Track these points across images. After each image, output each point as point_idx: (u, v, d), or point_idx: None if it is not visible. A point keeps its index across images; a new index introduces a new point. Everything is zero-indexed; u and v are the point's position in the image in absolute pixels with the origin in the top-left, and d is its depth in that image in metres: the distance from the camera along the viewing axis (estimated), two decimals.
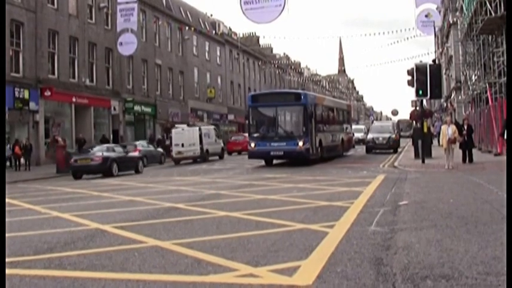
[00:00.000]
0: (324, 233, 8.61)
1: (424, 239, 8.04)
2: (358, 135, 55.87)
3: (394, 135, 41.01)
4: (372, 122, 73.38)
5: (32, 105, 37.00)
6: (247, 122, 30.96)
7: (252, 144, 28.91)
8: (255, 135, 29.06)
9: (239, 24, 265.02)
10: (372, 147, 40.34)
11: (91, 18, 44.98)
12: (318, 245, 7.75)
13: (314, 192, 15.19)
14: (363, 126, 66.72)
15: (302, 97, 29.19)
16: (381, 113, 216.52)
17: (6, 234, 9.71)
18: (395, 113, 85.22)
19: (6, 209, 14.16)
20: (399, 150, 41.06)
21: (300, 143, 27.72)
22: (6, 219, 11.88)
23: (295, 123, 29.41)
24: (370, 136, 41.39)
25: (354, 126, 58.85)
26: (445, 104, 78.11)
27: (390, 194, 14.01)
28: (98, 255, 7.62)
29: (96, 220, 11.05)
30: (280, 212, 11.29)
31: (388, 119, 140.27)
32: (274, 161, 30.92)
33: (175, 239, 8.54)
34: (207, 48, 67.79)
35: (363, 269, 6.42)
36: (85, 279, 6.38)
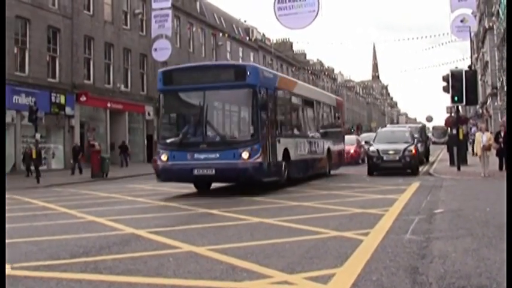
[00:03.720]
0: (359, 241, 8.55)
1: (461, 248, 7.95)
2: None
3: (412, 147, 25.54)
4: None
5: (68, 110, 37.60)
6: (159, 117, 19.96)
7: (163, 157, 17.50)
8: (169, 140, 17.80)
9: (273, 30, 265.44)
10: (377, 167, 25.52)
11: (126, 25, 45.49)
12: (352, 252, 7.70)
13: (348, 199, 15.11)
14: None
15: (248, 73, 17.15)
16: (415, 119, 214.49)
17: (43, 238, 9.91)
18: (430, 119, 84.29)
19: (42, 212, 14.44)
20: (421, 168, 28.18)
21: (245, 154, 16.59)
22: (43, 223, 12.15)
23: (238, 120, 18.68)
24: (374, 148, 26.01)
25: (364, 134, 51.14)
26: (480, 111, 77.30)
27: (425, 202, 13.89)
28: (133, 260, 7.66)
29: (131, 225, 11.12)
30: (314, 219, 11.25)
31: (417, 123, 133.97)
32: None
33: (209, 244, 8.55)
34: (240, 54, 68.08)
35: (399, 277, 6.36)
36: (121, 284, 6.42)
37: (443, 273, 6.51)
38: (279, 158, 18.42)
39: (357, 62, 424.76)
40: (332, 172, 25.78)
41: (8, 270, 7.26)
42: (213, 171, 16.84)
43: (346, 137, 41.42)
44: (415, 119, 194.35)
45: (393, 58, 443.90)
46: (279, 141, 18.44)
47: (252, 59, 71.24)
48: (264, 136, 17.18)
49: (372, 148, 26.22)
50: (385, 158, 25.19)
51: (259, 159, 16.77)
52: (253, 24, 78.43)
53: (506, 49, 23.71)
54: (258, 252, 7.94)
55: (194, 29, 56.10)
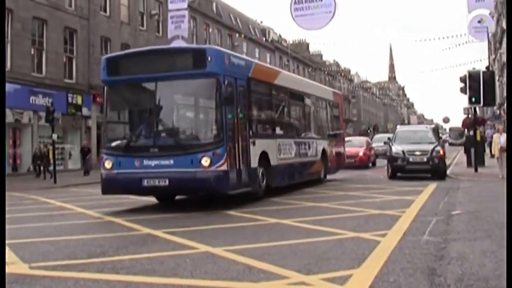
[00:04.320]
0: (376, 242, 8.52)
1: (479, 249, 7.90)
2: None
3: (439, 147, 23.95)
4: None
5: (85, 111, 37.81)
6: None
7: (107, 164, 14.34)
8: (114, 144, 14.66)
9: (289, 31, 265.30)
10: (401, 169, 23.53)
11: (142, 26, 45.60)
12: (370, 254, 7.67)
13: (365, 200, 15.07)
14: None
15: (209, 59, 13.88)
16: (432, 120, 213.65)
17: (61, 237, 9.97)
18: (446, 120, 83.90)
19: (60, 212, 14.53)
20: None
21: (205, 160, 13.42)
22: (61, 223, 12.21)
23: (198, 118, 15.48)
24: (397, 149, 23.70)
25: (378, 135, 50.22)
26: (498, 112, 76.82)
27: (443, 203, 13.83)
28: (150, 260, 7.68)
29: (148, 225, 11.14)
30: (331, 220, 11.24)
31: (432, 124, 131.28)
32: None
33: (226, 245, 8.56)
34: (257, 55, 67.94)
35: (416, 279, 6.33)
36: (138, 284, 6.44)
37: (461, 275, 6.47)
38: (254, 163, 15.25)
39: (374, 63, 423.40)
40: (329, 177, 23.42)
41: (26, 269, 7.32)
42: (166, 181, 13.63)
43: (356, 138, 40.60)
44: (432, 120, 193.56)
45: (410, 59, 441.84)
46: (254, 143, 15.29)
47: (268, 59, 71.19)
48: (231, 137, 14.05)
49: (395, 149, 23.83)
50: (411, 160, 23.15)
51: (224, 167, 13.52)
52: (269, 25, 78.56)
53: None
54: (274, 252, 7.94)
55: (210, 30, 56.17)
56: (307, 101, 21.56)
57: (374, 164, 35.51)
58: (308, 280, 6.37)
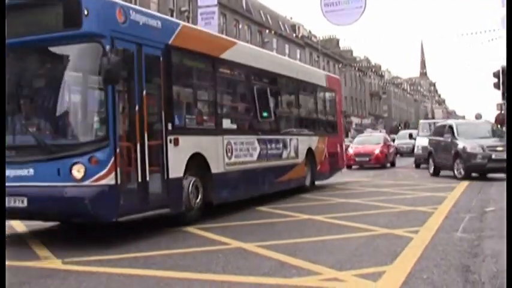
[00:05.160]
0: (409, 239, 8.46)
1: None
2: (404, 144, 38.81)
3: None
4: None
5: None
6: None
7: None
8: None
9: (319, 27, 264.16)
10: (481, 168, 20.20)
11: None
12: (402, 250, 7.62)
13: (396, 196, 14.97)
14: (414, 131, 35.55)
15: (87, 13, 8.60)
16: (464, 117, 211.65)
17: (93, 232, 10.00)
18: (478, 116, 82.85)
19: None
20: None
21: (77, 170, 8.33)
22: None
23: (69, 104, 9.23)
24: (473, 144, 20.18)
25: (403, 132, 46.54)
26: None
27: (476, 200, 13.68)
28: (183, 256, 7.72)
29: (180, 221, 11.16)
30: (362, 216, 11.20)
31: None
32: None
33: (258, 241, 8.56)
34: (287, 51, 67.81)
35: (450, 276, 6.27)
36: (170, 279, 6.47)
37: (496, 272, 6.39)
38: (177, 172, 10.17)
39: (405, 59, 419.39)
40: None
41: (59, 264, 7.39)
42: (25, 201, 8.63)
43: (373, 134, 38.92)
44: (464, 117, 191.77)
45: (442, 55, 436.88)
46: (176, 142, 10.14)
47: (298, 55, 70.90)
48: (126, 133, 9.21)
49: (469, 144, 20.25)
50: (493, 157, 19.50)
51: (107, 179, 8.44)
52: (299, 21, 78.39)
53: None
54: (307, 249, 7.93)
55: (240, 26, 56.23)
56: (283, 85, 16.64)
57: (393, 163, 31.89)
58: (341, 276, 6.35)
